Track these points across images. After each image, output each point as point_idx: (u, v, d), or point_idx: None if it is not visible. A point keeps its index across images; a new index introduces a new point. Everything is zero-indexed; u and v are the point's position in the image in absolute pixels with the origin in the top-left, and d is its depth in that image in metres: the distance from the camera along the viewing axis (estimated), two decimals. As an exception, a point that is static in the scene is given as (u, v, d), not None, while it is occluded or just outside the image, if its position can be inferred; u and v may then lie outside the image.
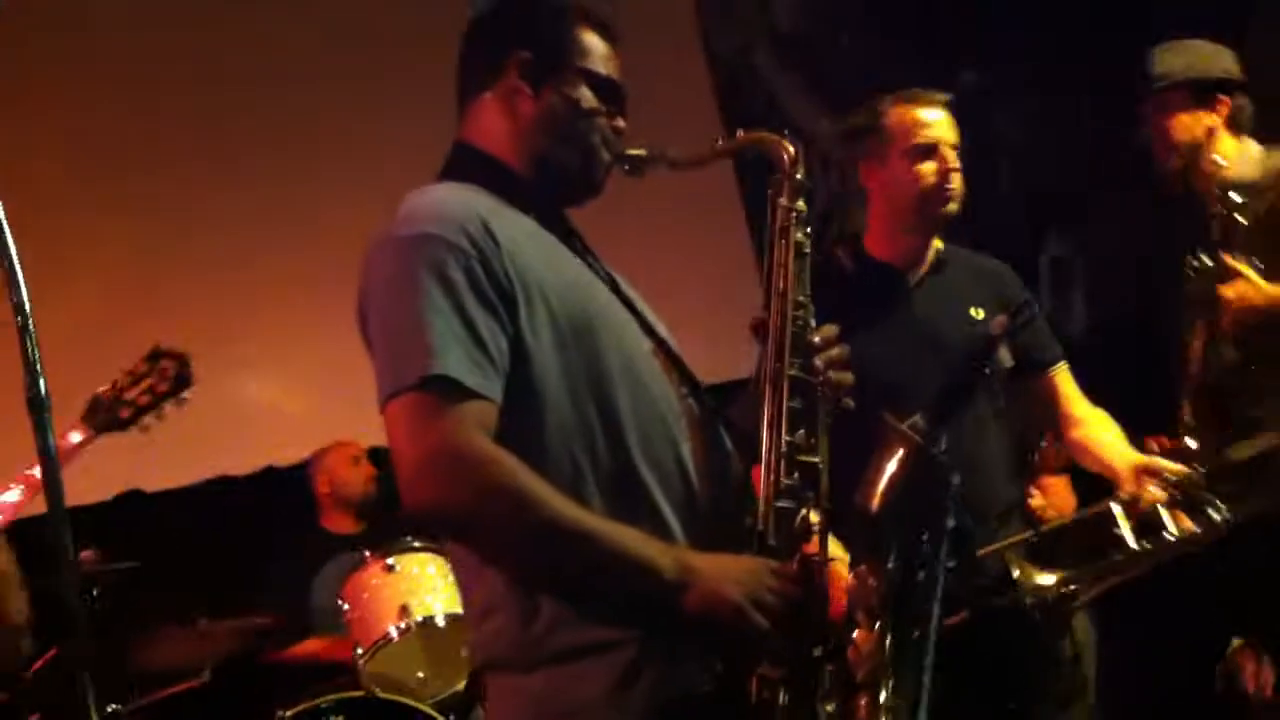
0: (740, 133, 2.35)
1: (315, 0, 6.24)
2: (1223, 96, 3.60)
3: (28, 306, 1.57)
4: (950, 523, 1.94)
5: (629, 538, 1.96)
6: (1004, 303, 3.20)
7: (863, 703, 2.08)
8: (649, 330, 2.21)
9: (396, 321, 2.00)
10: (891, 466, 2.12)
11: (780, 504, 2.06)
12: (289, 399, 6.08)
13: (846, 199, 3.18)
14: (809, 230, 2.24)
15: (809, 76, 6.35)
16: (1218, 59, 3.66)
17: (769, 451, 2.08)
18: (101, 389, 3.60)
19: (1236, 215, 3.41)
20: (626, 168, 2.28)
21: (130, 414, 3.57)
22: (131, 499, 5.41)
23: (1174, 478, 3.03)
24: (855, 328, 2.25)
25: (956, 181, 3.17)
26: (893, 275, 3.24)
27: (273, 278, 5.99)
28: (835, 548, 2.20)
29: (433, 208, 2.07)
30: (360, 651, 4.20)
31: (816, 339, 2.18)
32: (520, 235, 2.10)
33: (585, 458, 2.03)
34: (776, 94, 6.35)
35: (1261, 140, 3.64)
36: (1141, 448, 3.23)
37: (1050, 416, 3.33)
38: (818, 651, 2.00)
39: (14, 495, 3.37)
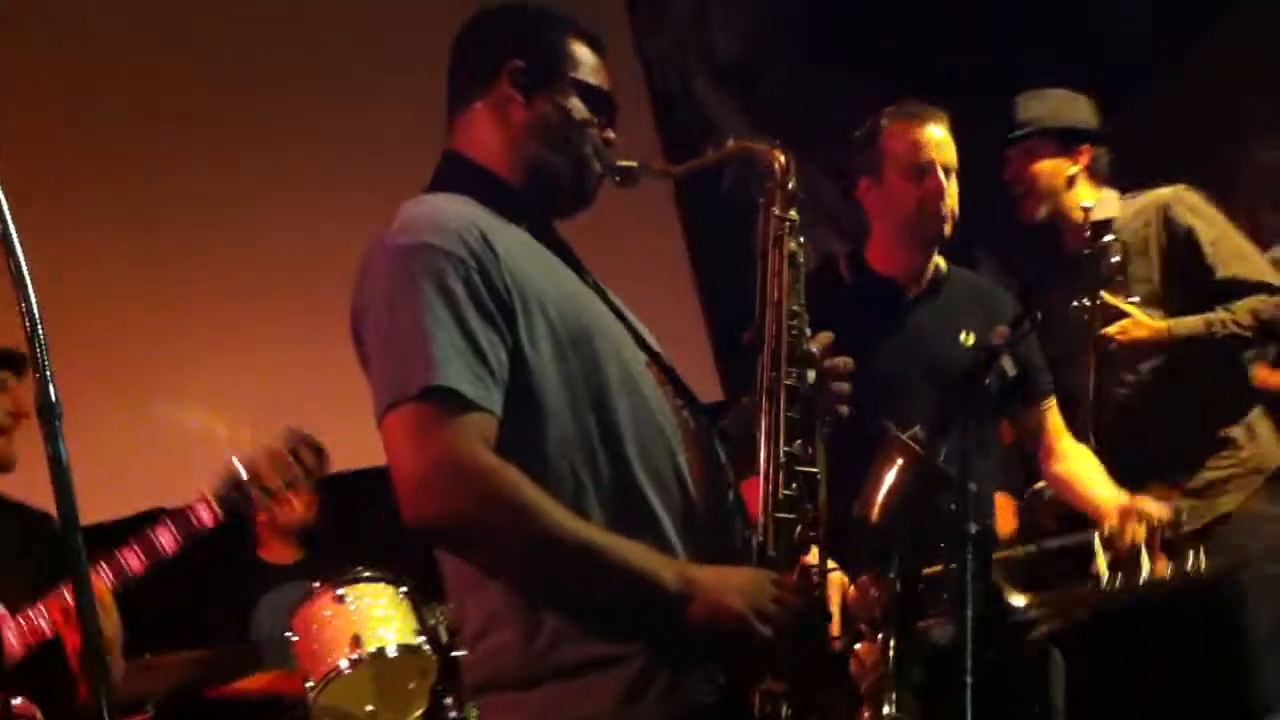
0: (731, 141, 2.35)
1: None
2: (1083, 145, 3.70)
3: (37, 312, 1.52)
4: (972, 527, 1.93)
5: (631, 550, 1.94)
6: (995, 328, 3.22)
7: (866, 715, 2.07)
8: (642, 342, 2.20)
9: (396, 332, 1.97)
10: (891, 476, 2.11)
11: (779, 515, 2.05)
12: (221, 427, 5.97)
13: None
14: (801, 240, 2.24)
15: (746, 103, 6.39)
16: (1079, 108, 3.76)
17: (768, 462, 2.08)
18: (237, 466, 3.50)
19: (1111, 253, 3.53)
20: (617, 179, 2.26)
21: (261, 501, 3.50)
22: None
23: (1158, 521, 3.06)
24: (850, 339, 2.24)
25: (951, 203, 3.17)
26: (892, 289, 3.24)
27: (206, 306, 5.89)
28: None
29: (431, 217, 2.04)
30: (310, 684, 4.11)
31: (813, 348, 2.17)
32: (516, 246, 2.07)
33: (586, 470, 2.00)
34: (714, 119, 6.39)
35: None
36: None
37: (1035, 448, 3.35)
38: (820, 663, 1.99)
39: (43, 623, 3.24)
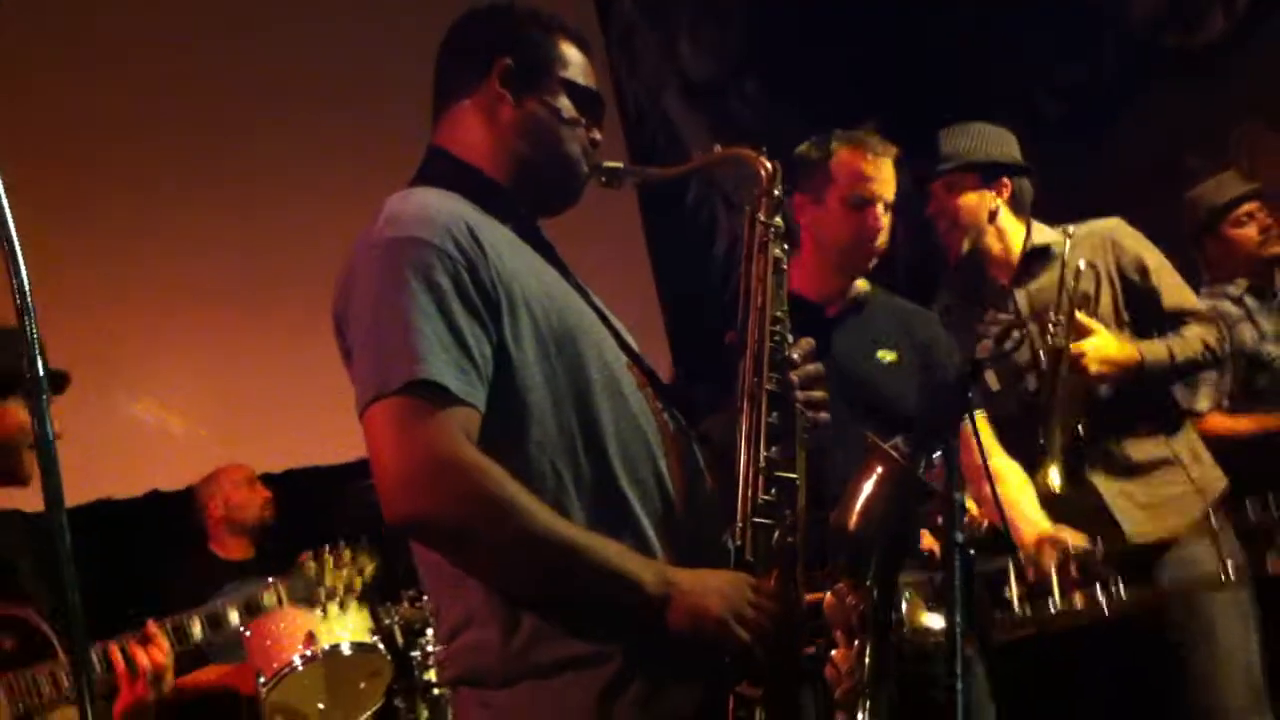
0: (717, 147, 2.35)
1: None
2: (1006, 179, 3.75)
3: (27, 286, 1.50)
4: (958, 536, 1.94)
5: (612, 550, 1.94)
6: (916, 346, 3.24)
7: (839, 722, 2.07)
8: (624, 344, 2.20)
9: (381, 325, 1.95)
10: (869, 486, 2.11)
11: (758, 519, 2.05)
12: (175, 422, 5.92)
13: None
14: (785, 246, 2.25)
15: (714, 121, 6.42)
16: (1001, 142, 3.81)
17: (748, 466, 2.08)
18: (306, 560, 3.67)
19: (1074, 276, 3.59)
20: (604, 180, 2.27)
21: (322, 600, 3.65)
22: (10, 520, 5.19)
23: (1074, 552, 3.05)
24: None
25: (883, 239, 3.19)
26: (810, 308, 3.23)
27: (159, 299, 5.85)
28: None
29: (419, 212, 2.03)
30: (263, 680, 4.08)
31: (795, 355, 2.18)
32: (502, 244, 2.07)
33: (567, 469, 2.00)
34: (682, 136, 6.42)
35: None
36: None
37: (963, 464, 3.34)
38: (796, 668, 1.99)
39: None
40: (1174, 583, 3.52)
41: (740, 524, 2.05)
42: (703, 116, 6.49)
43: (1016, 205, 3.77)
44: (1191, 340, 3.62)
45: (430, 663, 4.15)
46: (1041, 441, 3.52)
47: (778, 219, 2.24)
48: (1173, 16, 5.70)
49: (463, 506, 1.88)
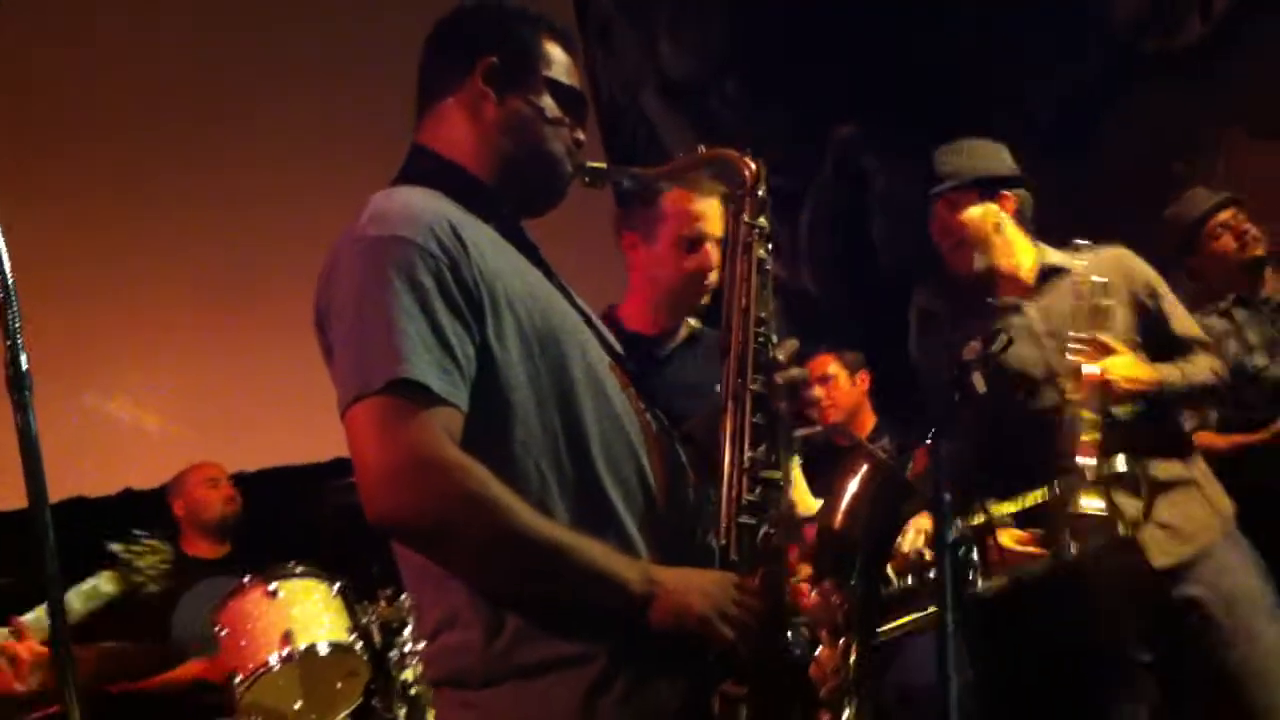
0: (702, 148, 2.35)
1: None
2: (1007, 192, 3.74)
3: (10, 281, 1.49)
4: (951, 535, 1.94)
5: (596, 550, 1.94)
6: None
7: (825, 720, 2.07)
8: (606, 345, 2.19)
9: (363, 324, 1.94)
10: (854, 486, 2.11)
11: (742, 519, 2.05)
12: (150, 419, 5.90)
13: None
14: (770, 247, 2.24)
15: (692, 120, 6.42)
16: (1000, 156, 3.80)
17: (732, 467, 2.08)
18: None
19: (1096, 295, 3.57)
20: (587, 179, 2.26)
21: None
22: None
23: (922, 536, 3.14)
24: None
25: (714, 278, 3.17)
26: (641, 344, 3.18)
27: (134, 295, 5.83)
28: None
29: (402, 210, 2.01)
30: (239, 679, 4.05)
31: (780, 356, 2.18)
32: (486, 243, 2.06)
33: (551, 469, 1.99)
34: (661, 135, 6.41)
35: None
36: None
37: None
38: (780, 667, 1.99)
39: None
40: (1212, 590, 3.47)
41: (725, 523, 2.04)
42: (682, 116, 6.48)
43: (1020, 218, 3.76)
44: (1202, 368, 3.60)
45: (408, 662, 4.13)
46: (1070, 462, 3.48)
47: (762, 219, 2.24)
48: (1154, 20, 5.72)
49: (445, 506, 1.87)
